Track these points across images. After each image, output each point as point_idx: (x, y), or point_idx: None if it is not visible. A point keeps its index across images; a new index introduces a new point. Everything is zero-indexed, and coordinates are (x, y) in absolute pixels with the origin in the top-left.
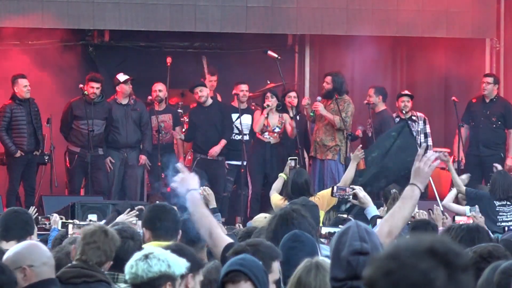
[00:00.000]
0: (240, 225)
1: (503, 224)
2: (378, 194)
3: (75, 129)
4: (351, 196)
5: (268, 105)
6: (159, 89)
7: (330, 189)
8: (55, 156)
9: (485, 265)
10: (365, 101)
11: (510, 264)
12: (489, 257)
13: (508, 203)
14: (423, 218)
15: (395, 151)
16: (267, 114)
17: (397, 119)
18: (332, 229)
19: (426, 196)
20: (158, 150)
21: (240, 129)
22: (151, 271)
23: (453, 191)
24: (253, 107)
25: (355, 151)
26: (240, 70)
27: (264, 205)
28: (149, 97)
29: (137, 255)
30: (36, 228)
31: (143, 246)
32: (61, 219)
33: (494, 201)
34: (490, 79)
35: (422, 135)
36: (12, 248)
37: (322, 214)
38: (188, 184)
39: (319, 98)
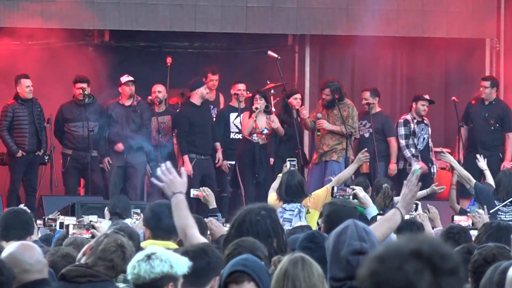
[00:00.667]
0: None
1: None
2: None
3: (67, 132)
4: (351, 197)
5: (257, 108)
6: (158, 90)
7: (325, 188)
8: (55, 156)
9: (487, 269)
10: (365, 103)
11: (509, 264)
12: (493, 261)
13: (508, 203)
14: (408, 218)
15: None
16: (256, 116)
17: (415, 120)
18: None
19: (433, 198)
20: (158, 151)
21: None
22: (153, 272)
23: (453, 192)
24: None
25: (359, 154)
26: (240, 70)
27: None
28: (149, 98)
29: (139, 255)
30: (36, 228)
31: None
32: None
33: (495, 201)
34: (487, 83)
35: (430, 140)
36: (4, 251)
37: (317, 214)
38: (174, 187)
39: (319, 115)
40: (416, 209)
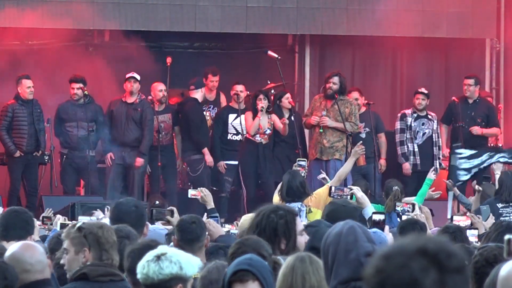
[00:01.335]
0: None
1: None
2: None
3: (64, 132)
4: (349, 197)
5: (262, 108)
6: (162, 89)
7: (326, 187)
8: (55, 156)
9: (490, 270)
10: (365, 102)
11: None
12: (494, 262)
13: (511, 203)
14: (411, 218)
15: None
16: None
17: (415, 115)
18: None
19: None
20: (158, 151)
21: (241, 129)
22: (162, 273)
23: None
24: None
25: (355, 147)
26: (240, 70)
27: (261, 205)
28: (149, 97)
29: (149, 255)
30: (38, 228)
31: None
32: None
33: (497, 204)
34: (471, 81)
35: (436, 135)
36: (7, 251)
37: (319, 213)
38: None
39: (324, 113)
40: (413, 210)
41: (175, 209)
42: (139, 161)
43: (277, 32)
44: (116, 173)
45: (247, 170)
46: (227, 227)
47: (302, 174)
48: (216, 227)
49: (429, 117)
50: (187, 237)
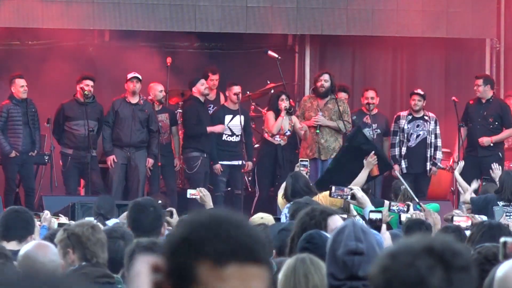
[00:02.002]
0: None
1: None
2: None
3: (68, 131)
4: (349, 197)
5: (286, 107)
6: (163, 89)
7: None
8: (55, 156)
9: (489, 267)
10: (370, 103)
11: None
12: (494, 259)
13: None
14: (418, 218)
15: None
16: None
17: (409, 117)
18: None
19: (424, 197)
20: (158, 150)
21: (238, 130)
22: None
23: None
24: (253, 107)
25: (368, 158)
26: (240, 70)
27: (270, 206)
28: (149, 97)
29: None
30: (38, 228)
31: None
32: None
33: (498, 202)
34: (480, 81)
35: (433, 136)
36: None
37: None
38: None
39: (320, 113)
40: (407, 210)
41: (174, 210)
42: (151, 161)
43: (277, 32)
44: (121, 173)
45: (263, 171)
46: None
47: (305, 174)
48: None
49: (426, 118)
50: None
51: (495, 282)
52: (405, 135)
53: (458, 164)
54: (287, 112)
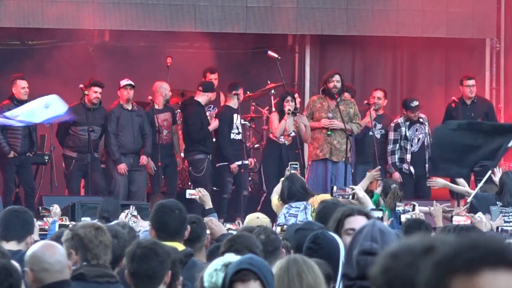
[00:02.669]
0: (239, 222)
1: (505, 225)
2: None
3: (73, 135)
4: (350, 196)
5: (289, 110)
6: (166, 88)
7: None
8: (55, 156)
9: None
10: (369, 102)
11: None
12: None
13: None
14: (417, 218)
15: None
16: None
17: (407, 123)
18: None
19: (428, 198)
20: (158, 150)
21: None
22: None
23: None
24: (253, 107)
25: (372, 171)
26: (240, 70)
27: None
28: (149, 97)
29: (217, 263)
30: (37, 228)
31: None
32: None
33: (497, 202)
34: (473, 81)
35: (428, 137)
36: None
37: None
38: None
39: (330, 115)
40: (413, 209)
41: None
42: (145, 159)
43: (277, 32)
44: (126, 178)
45: (270, 171)
46: (229, 226)
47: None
48: (218, 226)
49: (421, 120)
50: (188, 237)
51: None
52: (409, 142)
53: None
54: (292, 113)
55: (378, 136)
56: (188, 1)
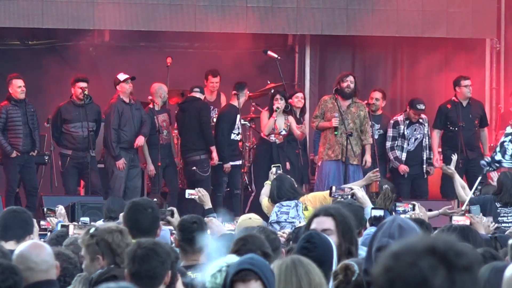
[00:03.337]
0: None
1: (503, 225)
2: None
3: (66, 133)
4: (349, 196)
5: (278, 108)
6: (164, 89)
7: (325, 193)
8: (54, 156)
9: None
10: (368, 102)
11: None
12: (483, 262)
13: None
14: (417, 217)
15: None
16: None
17: (407, 122)
18: None
19: (426, 198)
20: (158, 150)
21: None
22: None
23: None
24: (253, 107)
25: (370, 173)
26: (240, 70)
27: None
28: (149, 97)
29: (220, 264)
30: (37, 227)
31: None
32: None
33: (496, 203)
34: (469, 81)
35: (427, 137)
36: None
37: None
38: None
39: (336, 114)
40: (413, 209)
41: (175, 210)
42: (142, 139)
43: (277, 32)
44: (125, 174)
45: (259, 170)
46: (228, 226)
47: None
48: (219, 226)
49: (420, 121)
50: (188, 237)
51: (504, 281)
52: (406, 140)
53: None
54: (283, 111)
55: (377, 136)
56: (188, 1)
